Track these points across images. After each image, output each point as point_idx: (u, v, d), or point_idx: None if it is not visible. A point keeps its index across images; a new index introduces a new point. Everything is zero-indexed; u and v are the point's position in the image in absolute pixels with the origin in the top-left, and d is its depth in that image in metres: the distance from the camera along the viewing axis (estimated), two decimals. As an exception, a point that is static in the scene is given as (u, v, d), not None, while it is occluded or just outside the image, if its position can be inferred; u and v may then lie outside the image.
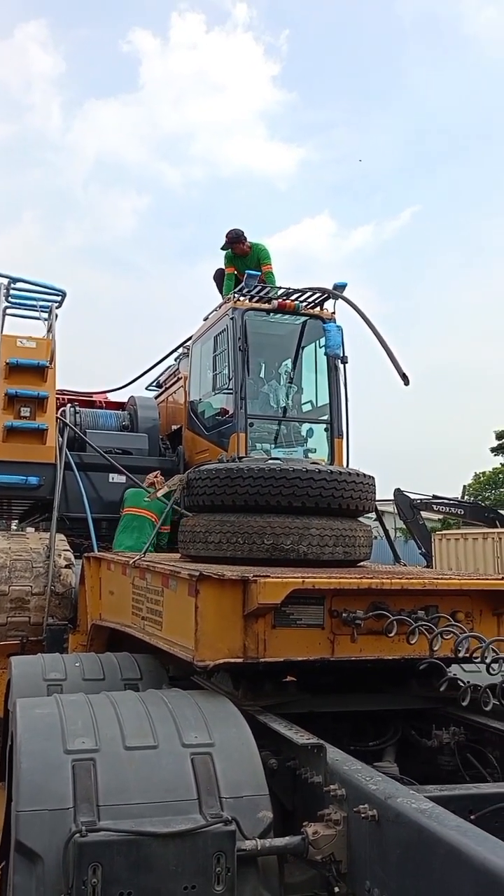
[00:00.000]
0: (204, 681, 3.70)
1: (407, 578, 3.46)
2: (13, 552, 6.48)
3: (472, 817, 2.43)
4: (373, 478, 4.40)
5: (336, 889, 2.43)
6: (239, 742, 2.75)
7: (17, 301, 8.03)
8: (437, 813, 2.12)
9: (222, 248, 8.41)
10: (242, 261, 8.38)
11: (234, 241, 8.29)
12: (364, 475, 4.31)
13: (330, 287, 7.34)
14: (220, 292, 8.62)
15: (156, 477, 6.82)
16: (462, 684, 3.16)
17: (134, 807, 2.45)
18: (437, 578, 3.59)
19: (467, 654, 3.01)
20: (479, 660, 2.95)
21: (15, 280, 7.97)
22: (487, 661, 2.88)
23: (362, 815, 2.27)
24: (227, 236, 8.32)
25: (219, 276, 8.75)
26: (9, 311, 7.85)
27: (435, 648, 3.13)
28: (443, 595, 3.48)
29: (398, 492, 18.96)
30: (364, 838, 2.33)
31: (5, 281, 7.90)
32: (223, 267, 8.64)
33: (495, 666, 2.88)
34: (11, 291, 7.94)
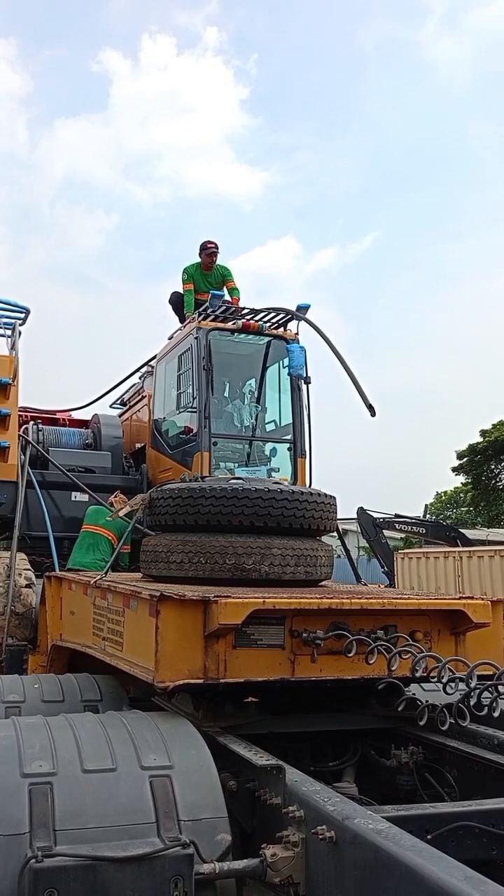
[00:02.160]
0: (164, 702, 3.68)
1: (366, 598, 3.50)
2: (-28, 572, 6.40)
3: (428, 837, 2.44)
4: (334, 497, 4.43)
5: (294, 911, 2.42)
6: (198, 764, 2.74)
7: (-20, 318, 7.97)
8: (393, 833, 2.13)
9: (204, 252, 8.37)
10: (204, 277, 8.42)
11: (216, 249, 8.35)
12: (325, 495, 4.34)
13: (293, 308, 7.44)
14: (177, 315, 8.62)
15: (115, 497, 6.79)
16: (420, 704, 3.19)
17: (91, 831, 2.42)
18: (396, 598, 3.64)
19: (424, 674, 3.04)
20: (435, 679, 2.98)
21: (-22, 297, 7.92)
22: (444, 680, 2.91)
23: (320, 837, 2.28)
24: (209, 244, 8.34)
25: (175, 301, 8.74)
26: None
27: (393, 668, 3.15)
28: (401, 615, 3.52)
29: (361, 510, 19.12)
30: (322, 860, 2.34)
31: None
32: (178, 291, 8.64)
33: (452, 685, 2.91)
34: (-26, 309, 7.89)
